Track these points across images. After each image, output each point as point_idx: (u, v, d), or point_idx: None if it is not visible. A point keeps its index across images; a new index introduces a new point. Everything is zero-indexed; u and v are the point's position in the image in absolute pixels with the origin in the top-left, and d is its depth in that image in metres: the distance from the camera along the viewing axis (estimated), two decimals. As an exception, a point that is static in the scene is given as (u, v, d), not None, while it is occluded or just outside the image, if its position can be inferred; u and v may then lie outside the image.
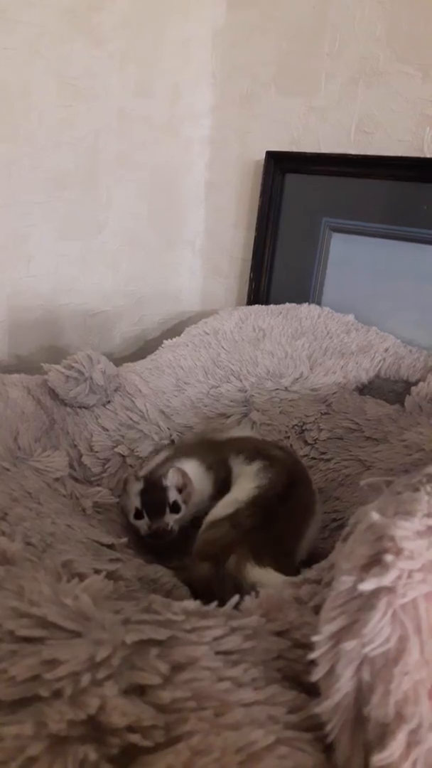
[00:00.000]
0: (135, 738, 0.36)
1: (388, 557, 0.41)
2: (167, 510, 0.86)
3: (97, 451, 0.94)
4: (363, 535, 0.45)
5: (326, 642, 0.40)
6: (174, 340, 1.20)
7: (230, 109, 1.41)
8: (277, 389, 1.06)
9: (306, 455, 0.98)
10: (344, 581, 0.42)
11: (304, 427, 1.01)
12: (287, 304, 1.24)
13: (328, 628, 0.41)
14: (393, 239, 1.15)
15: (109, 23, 1.24)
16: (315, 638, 0.41)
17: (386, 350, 1.08)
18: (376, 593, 0.40)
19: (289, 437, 1.01)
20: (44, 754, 0.35)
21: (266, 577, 0.69)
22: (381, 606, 0.40)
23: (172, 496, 0.87)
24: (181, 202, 1.50)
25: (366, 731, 0.36)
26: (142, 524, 0.86)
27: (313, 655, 0.40)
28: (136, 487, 0.88)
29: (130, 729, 0.36)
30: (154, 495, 0.86)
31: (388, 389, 1.04)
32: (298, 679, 0.44)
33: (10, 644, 0.42)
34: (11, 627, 0.43)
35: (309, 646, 0.43)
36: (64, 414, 0.95)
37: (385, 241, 1.16)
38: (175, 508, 0.87)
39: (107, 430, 0.97)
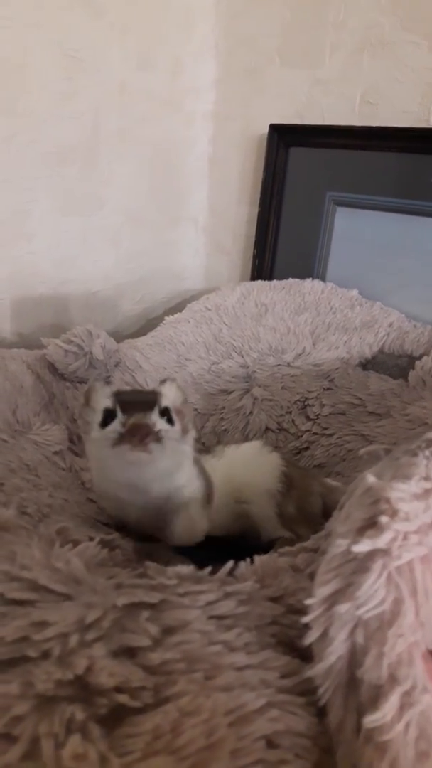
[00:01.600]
0: (123, 698, 0.35)
1: (384, 519, 0.40)
2: (155, 409, 0.60)
3: (96, 426, 0.94)
4: (359, 499, 0.44)
5: (320, 605, 0.40)
6: (175, 316, 1.19)
7: (234, 83, 1.39)
8: (279, 365, 1.05)
9: (308, 430, 0.97)
10: (339, 544, 0.42)
11: (306, 403, 1.00)
12: (290, 280, 1.22)
13: (321, 591, 0.40)
14: (399, 213, 1.13)
15: (109, -7, 1.22)
16: (308, 601, 0.40)
17: (390, 325, 1.07)
18: (370, 555, 0.40)
19: (290, 412, 1.00)
20: (30, 714, 0.34)
21: None
22: (376, 568, 0.39)
23: (165, 402, 0.63)
24: (183, 178, 1.48)
25: (359, 694, 0.36)
26: (112, 428, 0.59)
27: (306, 619, 0.40)
28: (107, 389, 0.64)
29: (119, 690, 0.36)
30: (135, 394, 0.70)
31: (392, 364, 1.02)
32: (292, 645, 0.44)
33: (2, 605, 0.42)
34: (1, 590, 0.43)
35: (304, 612, 0.42)
36: (63, 388, 0.94)
37: (390, 214, 1.14)
38: (166, 414, 0.62)
39: (107, 404, 0.96)
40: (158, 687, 0.36)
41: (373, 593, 0.38)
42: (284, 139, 1.28)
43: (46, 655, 0.38)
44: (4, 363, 0.89)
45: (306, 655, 0.42)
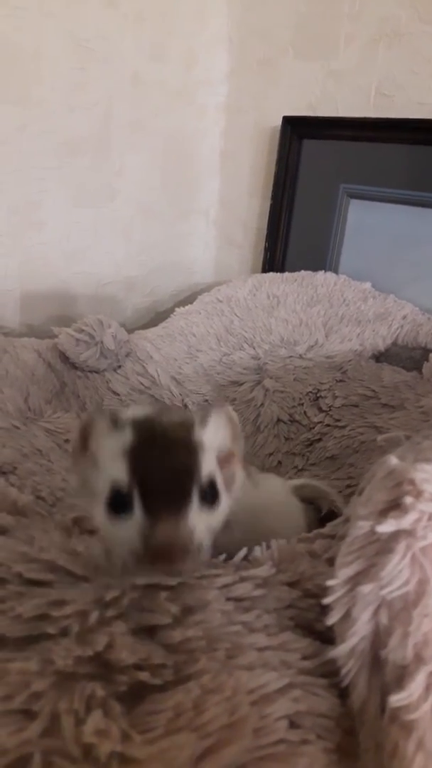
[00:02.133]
0: (144, 676, 0.35)
1: (408, 500, 0.39)
2: (193, 497, 0.41)
3: (108, 415, 0.93)
4: (381, 481, 0.43)
5: (342, 586, 0.39)
6: (186, 307, 1.19)
7: (247, 75, 1.38)
8: (291, 356, 1.04)
9: (320, 422, 0.96)
10: (361, 526, 0.41)
11: (318, 394, 0.99)
12: (302, 272, 1.21)
13: (344, 572, 0.39)
14: (413, 205, 1.12)
15: (122, -18, 1.21)
16: (330, 582, 0.40)
17: (404, 317, 1.06)
18: (394, 536, 0.39)
19: (302, 404, 0.99)
20: (50, 690, 0.34)
21: None
22: (400, 549, 0.38)
23: (208, 467, 0.43)
24: (195, 170, 1.48)
25: (383, 674, 0.35)
26: (128, 529, 0.40)
27: (327, 600, 0.39)
28: (117, 438, 0.44)
29: (139, 667, 0.35)
30: (162, 459, 0.42)
31: (406, 356, 1.01)
32: (311, 628, 0.43)
33: (17, 586, 0.41)
34: (20, 569, 0.42)
35: (322, 596, 0.41)
36: (74, 377, 0.94)
37: (404, 207, 1.13)
38: (209, 494, 0.43)
39: (118, 394, 0.96)
40: (179, 665, 0.36)
41: (397, 574, 0.37)
42: (297, 131, 1.27)
43: (65, 632, 0.37)
44: (16, 351, 0.89)
45: (326, 638, 0.42)
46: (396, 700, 0.33)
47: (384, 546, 0.39)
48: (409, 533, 0.38)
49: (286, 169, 1.30)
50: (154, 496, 0.40)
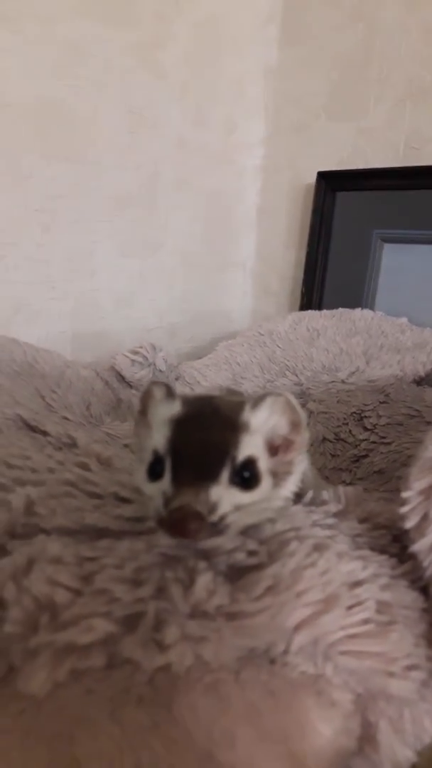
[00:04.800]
0: (240, 556, 0.38)
1: None
2: (222, 472, 0.41)
3: (161, 429, 0.97)
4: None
5: (417, 497, 0.42)
6: (229, 341, 1.24)
7: (282, 138, 1.50)
8: (334, 381, 1.08)
9: (366, 439, 0.99)
10: (431, 448, 0.44)
11: (362, 415, 1.02)
12: (340, 309, 1.27)
13: (417, 485, 0.42)
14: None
15: (170, 59, 1.35)
16: (405, 494, 0.42)
17: (441, 345, 1.10)
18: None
19: (347, 424, 1.02)
20: (157, 563, 0.37)
21: None
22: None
23: (250, 448, 0.43)
24: (233, 225, 1.58)
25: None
26: (153, 492, 0.41)
27: (404, 509, 0.42)
28: (167, 408, 0.46)
29: (235, 551, 0.38)
30: (200, 432, 0.44)
31: (445, 381, 1.05)
32: (386, 551, 0.45)
33: (114, 500, 0.45)
34: (115, 489, 0.46)
35: (392, 527, 0.44)
36: (129, 395, 0.99)
37: (435, 247, 1.21)
38: (247, 476, 0.42)
39: (171, 411, 1.00)
40: (272, 551, 0.38)
41: (471, 477, 0.40)
42: (331, 184, 1.37)
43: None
44: (77, 369, 0.95)
45: (401, 560, 0.44)
46: None
47: (455, 460, 0.42)
48: None
49: (321, 219, 1.39)
50: (182, 465, 0.41)
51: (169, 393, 0.47)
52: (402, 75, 1.25)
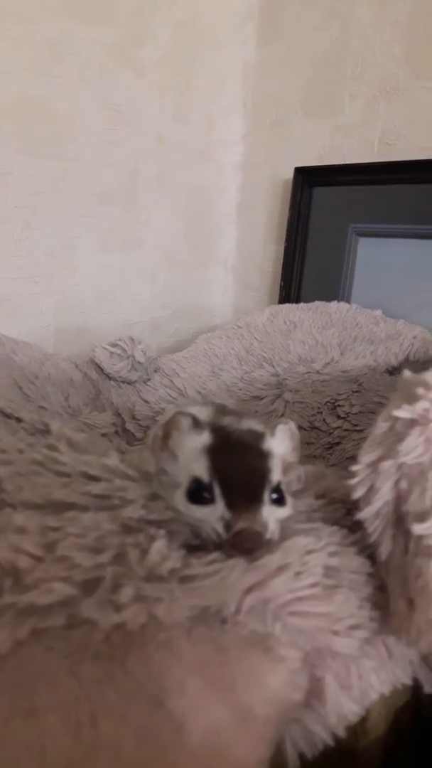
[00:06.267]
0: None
1: (420, 391, 0.45)
2: (266, 495, 0.47)
3: (139, 419, 0.99)
4: (398, 393, 0.49)
5: (365, 470, 0.45)
6: (208, 334, 1.27)
7: (260, 135, 1.52)
8: (309, 372, 1.11)
9: (339, 427, 1.01)
10: (380, 426, 0.47)
11: (336, 404, 1.05)
12: (316, 302, 1.30)
13: (366, 458, 0.45)
14: (417, 238, 1.22)
15: (149, 57, 1.37)
16: (354, 467, 0.45)
17: (414, 337, 1.13)
18: (408, 424, 0.45)
19: (321, 412, 1.05)
20: (118, 532, 0.39)
21: None
22: (414, 432, 0.44)
23: (277, 472, 0.50)
24: (214, 221, 1.60)
25: (405, 522, 0.40)
26: (209, 517, 0.45)
27: (353, 481, 0.44)
28: (197, 438, 0.51)
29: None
30: (241, 461, 0.49)
31: (418, 370, 1.07)
32: (339, 523, 0.48)
33: (81, 478, 0.47)
34: (83, 469, 0.48)
35: (346, 501, 0.46)
36: (108, 386, 1.01)
37: (409, 240, 1.23)
38: (279, 496, 0.49)
39: (148, 402, 1.02)
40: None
41: (412, 449, 0.43)
42: (308, 179, 1.39)
43: (128, 503, 0.42)
44: (55, 361, 0.97)
45: (352, 531, 0.47)
46: (421, 528, 0.37)
47: (400, 435, 0.45)
48: (421, 419, 0.44)
49: (298, 214, 1.41)
50: (235, 492, 0.46)
51: (196, 423, 0.52)
52: (376, 73, 1.28)
